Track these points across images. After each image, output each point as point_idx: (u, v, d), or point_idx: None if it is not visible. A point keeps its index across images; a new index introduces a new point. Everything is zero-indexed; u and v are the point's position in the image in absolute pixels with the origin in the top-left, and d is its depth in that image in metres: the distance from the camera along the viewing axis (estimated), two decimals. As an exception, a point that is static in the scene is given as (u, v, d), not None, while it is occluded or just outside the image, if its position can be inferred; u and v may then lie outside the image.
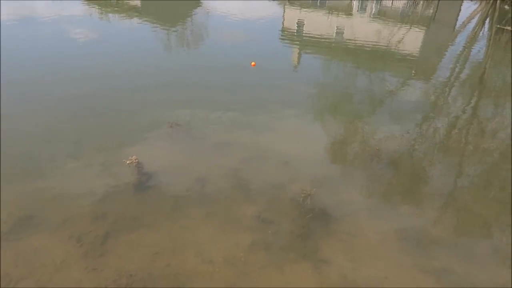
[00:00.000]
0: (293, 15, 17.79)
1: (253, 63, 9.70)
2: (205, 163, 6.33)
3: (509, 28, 15.33)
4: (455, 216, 5.72)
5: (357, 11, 19.07)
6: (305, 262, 4.62)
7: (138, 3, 18.27)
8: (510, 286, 4.39)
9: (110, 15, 15.43)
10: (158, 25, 14.14)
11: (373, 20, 17.42)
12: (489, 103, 9.48)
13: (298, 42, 13.63)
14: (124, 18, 14.98)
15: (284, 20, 16.87)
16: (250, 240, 4.84)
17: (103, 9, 16.20)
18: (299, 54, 12.33)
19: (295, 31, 15.18)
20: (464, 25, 16.81)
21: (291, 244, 4.85)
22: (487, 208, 5.87)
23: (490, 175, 6.76)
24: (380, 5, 20.10)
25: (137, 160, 5.95)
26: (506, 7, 19.29)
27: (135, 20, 14.63)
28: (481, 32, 16.17)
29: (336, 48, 13.08)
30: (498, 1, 20.03)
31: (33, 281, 4.17)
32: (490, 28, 16.48)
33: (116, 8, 16.53)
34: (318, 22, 16.61)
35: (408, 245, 5.04)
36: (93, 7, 16.26)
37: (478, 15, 18.55)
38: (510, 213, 5.76)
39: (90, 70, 9.57)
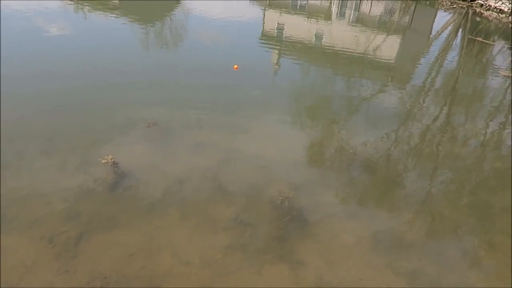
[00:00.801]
0: (273, 17, 17.90)
1: (235, 66, 9.69)
2: (183, 164, 6.27)
3: (480, 39, 15.94)
4: (428, 220, 5.88)
5: (336, 17, 19.37)
6: (282, 264, 4.64)
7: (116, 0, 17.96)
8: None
9: (87, 11, 15.08)
10: (136, 23, 13.93)
11: (351, 27, 17.74)
12: (461, 111, 9.81)
13: (277, 45, 13.72)
14: (101, 14, 14.68)
15: (264, 22, 16.95)
16: (227, 242, 4.83)
17: (80, 4, 15.82)
18: (279, 57, 12.41)
19: (275, 34, 15.27)
20: (438, 34, 17.36)
21: (268, 246, 4.87)
22: (457, 212, 6.07)
23: (461, 180, 7.00)
24: (358, 12, 20.49)
25: (113, 160, 5.83)
26: (478, 18, 20.06)
27: (113, 17, 14.36)
28: (454, 42, 16.74)
29: (315, 53, 13.24)
30: (470, 13, 20.80)
31: (1, 283, 4.02)
32: (463, 38, 17.08)
33: (93, 4, 16.18)
34: (298, 26, 16.77)
35: (382, 247, 5.15)
36: (69, 2, 15.86)
37: (452, 25, 19.19)
38: (479, 216, 5.98)
39: (65, 67, 9.32)
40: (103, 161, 5.77)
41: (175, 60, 10.86)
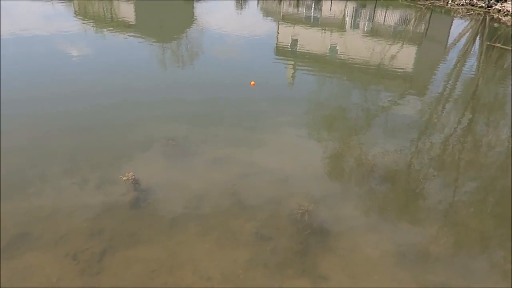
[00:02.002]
0: (287, 31, 18.05)
1: (252, 82, 9.77)
2: (202, 179, 6.31)
3: (499, 45, 15.68)
4: (453, 231, 5.73)
5: (350, 28, 19.40)
6: (304, 278, 4.58)
7: (132, 19, 18.45)
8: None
9: (105, 31, 15.54)
10: (152, 42, 14.26)
11: (366, 37, 17.72)
12: (482, 119, 9.61)
13: (292, 58, 13.80)
14: (118, 34, 15.09)
15: (278, 36, 17.10)
16: (248, 256, 4.81)
17: (98, 25, 16.32)
18: (294, 69, 12.47)
19: (289, 47, 15.38)
20: (455, 42, 17.16)
21: (290, 260, 4.82)
22: (483, 223, 5.90)
23: (485, 190, 6.81)
24: (372, 22, 20.48)
25: (133, 177, 5.92)
26: (496, 24, 19.76)
27: (129, 36, 14.74)
28: (472, 49, 16.51)
29: (330, 64, 13.25)
30: (487, 19, 20.52)
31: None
32: (481, 45, 16.83)
33: (110, 24, 16.66)
34: (312, 39, 16.86)
35: (406, 260, 5.03)
36: (87, 23, 16.38)
37: (469, 32, 18.95)
38: (506, 227, 5.79)
39: (85, 86, 9.59)
40: (124, 178, 5.87)
41: (191, 77, 11.04)
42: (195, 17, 19.99)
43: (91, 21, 16.88)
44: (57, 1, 20.24)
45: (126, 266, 4.53)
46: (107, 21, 17.52)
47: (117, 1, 22.04)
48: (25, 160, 6.44)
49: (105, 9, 20.15)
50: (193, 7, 22.66)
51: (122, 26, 16.35)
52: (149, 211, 5.51)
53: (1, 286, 4.15)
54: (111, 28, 15.84)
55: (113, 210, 5.44)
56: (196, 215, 5.53)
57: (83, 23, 16.45)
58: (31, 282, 4.27)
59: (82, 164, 6.43)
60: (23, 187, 5.80)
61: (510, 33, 18.32)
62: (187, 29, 16.97)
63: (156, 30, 16.28)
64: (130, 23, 17.40)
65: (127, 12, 20.03)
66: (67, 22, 16.14)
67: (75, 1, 20.20)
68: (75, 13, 18.31)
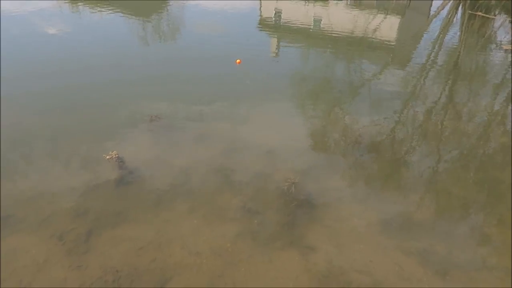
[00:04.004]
0: (270, 4, 17.65)
1: (238, 60, 9.57)
2: (187, 156, 6.27)
3: (480, 13, 15.68)
4: (435, 199, 5.86)
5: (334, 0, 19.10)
6: (292, 250, 4.65)
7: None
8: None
9: (81, 7, 14.96)
10: (132, 17, 13.82)
11: (349, 9, 17.50)
12: (464, 88, 9.70)
13: (276, 31, 13.58)
14: (96, 10, 14.56)
15: (261, 9, 16.74)
16: (236, 231, 4.84)
17: (74, 2, 15.69)
18: (278, 43, 12.29)
19: (273, 20, 15.09)
20: (438, 12, 17.08)
21: (277, 233, 4.88)
22: (465, 190, 6.04)
23: (467, 157, 6.94)
24: (356, -7, 20.18)
25: (117, 155, 5.83)
26: (478, -7, 19.69)
27: (108, 12, 14.24)
28: (454, 19, 16.48)
29: (314, 37, 13.09)
30: (469, -12, 20.42)
31: (15, 282, 4.06)
32: (463, 14, 16.81)
33: (87, 1, 16.04)
34: (296, 11, 16.54)
35: (391, 228, 5.15)
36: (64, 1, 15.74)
37: (451, 1, 18.88)
38: (486, 192, 5.95)
39: (65, 65, 9.30)
40: (107, 157, 5.78)
41: (173, 53, 10.79)
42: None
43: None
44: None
45: (113, 244, 4.52)
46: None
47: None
48: (6, 142, 6.27)
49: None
50: (172, -19, 21.94)
51: (100, 2, 15.75)
52: (135, 190, 5.47)
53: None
54: (88, 4, 15.25)
55: (98, 190, 5.39)
56: (182, 191, 5.51)
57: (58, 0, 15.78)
58: (18, 265, 4.23)
59: (65, 144, 6.31)
60: (5, 169, 5.68)
61: (492, 1, 18.33)
62: (168, 4, 16.47)
63: (136, 6, 15.75)
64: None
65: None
66: (41, 1, 15.47)
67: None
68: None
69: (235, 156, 6.34)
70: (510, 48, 12.06)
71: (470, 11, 16.37)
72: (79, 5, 15.21)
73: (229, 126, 7.14)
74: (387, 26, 15.13)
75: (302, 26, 14.11)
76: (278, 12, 16.51)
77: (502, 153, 7.06)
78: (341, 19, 15.65)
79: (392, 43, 13.10)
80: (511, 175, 6.18)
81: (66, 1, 15.55)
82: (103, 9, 14.49)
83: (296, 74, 9.75)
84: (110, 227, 4.76)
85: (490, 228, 5.38)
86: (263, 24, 14.35)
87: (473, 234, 5.23)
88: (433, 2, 18.81)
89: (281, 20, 15.43)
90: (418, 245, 4.91)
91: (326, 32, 13.53)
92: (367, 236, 5.00)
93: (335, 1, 18.60)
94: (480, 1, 18.15)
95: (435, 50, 12.17)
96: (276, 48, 11.86)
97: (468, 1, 18.47)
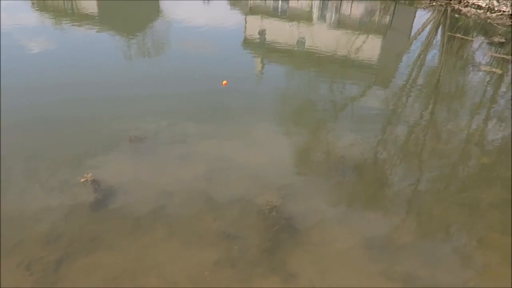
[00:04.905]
0: (255, 23, 17.83)
1: (224, 82, 9.51)
2: (168, 178, 6.11)
3: (459, 35, 16.11)
4: (418, 220, 5.81)
5: (317, 20, 19.41)
6: (273, 277, 4.51)
7: (95, 11, 17.74)
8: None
9: (66, 24, 14.82)
10: (117, 34, 13.73)
11: (333, 29, 17.79)
12: (445, 108, 9.83)
13: (261, 50, 13.65)
14: (81, 26, 14.44)
15: (246, 28, 16.87)
16: (215, 257, 4.68)
17: (58, 18, 15.56)
18: (262, 62, 12.33)
19: (258, 39, 15.20)
20: (418, 33, 17.49)
21: (258, 259, 4.73)
22: (447, 211, 6.01)
23: (449, 177, 6.96)
24: (339, 14, 20.59)
25: (92, 178, 5.63)
26: (456, 15, 20.32)
27: (93, 29, 14.13)
28: (434, 40, 16.89)
29: (298, 56, 13.20)
30: (449, 10, 21.07)
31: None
32: (443, 36, 17.24)
33: (71, 17, 15.93)
34: (280, 31, 16.73)
35: (375, 252, 5.06)
36: (46, 16, 15.60)
37: (432, 23, 19.39)
38: (467, 214, 5.94)
39: (45, 81, 9.08)
40: (82, 180, 5.57)
41: (158, 71, 10.68)
42: (160, 10, 19.43)
43: (50, 14, 16.06)
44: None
45: (85, 274, 4.30)
46: (68, 13, 16.73)
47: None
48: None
49: (65, 3, 19.25)
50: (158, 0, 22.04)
51: (85, 18, 15.65)
52: (111, 214, 5.27)
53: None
54: (73, 21, 15.13)
55: (72, 214, 5.17)
56: (161, 216, 5.34)
57: (42, 16, 15.63)
58: (-19, 297, 3.98)
59: (40, 165, 6.07)
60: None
61: (470, 23, 18.90)
62: (153, 22, 16.46)
63: (120, 23, 15.68)
64: (93, 16, 16.69)
65: (89, 5, 19.22)
66: (24, 16, 15.28)
67: (31, -7, 19.16)
68: (33, 6, 17.37)
69: (217, 177, 6.21)
70: (489, 69, 12.35)
71: (449, 33, 16.81)
72: (63, 22, 15.08)
73: (212, 146, 7.02)
74: (369, 46, 15.40)
75: (287, 45, 14.24)
76: (263, 32, 16.68)
77: (482, 173, 7.11)
78: (324, 39, 15.88)
79: (375, 63, 13.30)
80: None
81: (49, 17, 15.42)
82: (87, 26, 14.39)
83: (280, 93, 9.75)
84: (83, 255, 4.54)
85: (472, 249, 5.35)
86: (248, 43, 14.43)
87: (455, 257, 5.18)
88: (414, 23, 19.31)
89: (266, 39, 15.56)
90: (401, 269, 4.83)
91: (310, 51, 13.66)
92: (351, 261, 4.90)
93: (319, 22, 18.92)
94: (459, 23, 18.70)
95: (416, 70, 12.38)
96: (261, 67, 11.89)
97: (448, 23, 19.01)
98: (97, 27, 14.47)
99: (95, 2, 19.64)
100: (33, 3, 17.54)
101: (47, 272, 4.27)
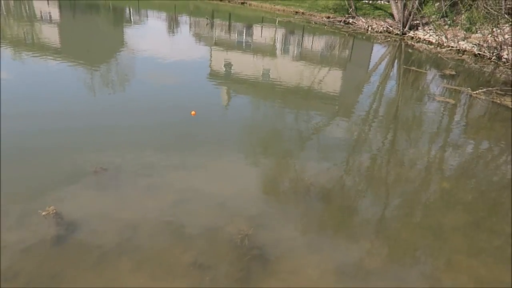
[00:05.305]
0: (220, 56, 18.20)
1: (193, 112, 9.52)
2: (134, 209, 5.93)
3: (414, 68, 17.16)
4: (386, 245, 5.92)
5: (281, 53, 20.10)
6: (246, 307, 4.40)
7: (57, 42, 17.48)
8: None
9: (25, 55, 14.47)
10: (80, 66, 13.53)
11: (295, 62, 18.44)
12: (405, 136, 10.29)
13: (226, 82, 13.87)
14: (42, 58, 14.13)
15: (211, 61, 17.16)
16: (186, 289, 4.52)
17: (16, 48, 15.18)
18: (228, 94, 12.50)
19: (223, 72, 15.48)
20: (376, 66, 18.48)
21: (231, 289, 4.62)
22: (413, 235, 6.18)
23: (412, 202, 7.19)
24: (301, 47, 21.43)
25: (54, 211, 5.37)
26: (410, 50, 21.70)
27: (54, 61, 13.85)
28: (391, 72, 17.88)
29: (263, 88, 13.50)
30: (403, 45, 22.49)
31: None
32: (399, 68, 18.30)
33: (32, 48, 15.59)
34: (245, 63, 17.15)
35: (346, 278, 5.08)
36: (4, 46, 15.17)
37: (388, 56, 20.58)
38: (432, 237, 6.12)
39: (5, 111, 8.71)
40: (43, 213, 5.30)
41: (123, 102, 10.57)
42: (125, 42, 19.43)
43: (8, 44, 15.65)
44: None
45: (46, 313, 4.02)
46: (28, 44, 16.37)
47: (38, 24, 20.79)
48: None
49: (25, 32, 18.86)
50: (122, 31, 22.08)
51: (45, 49, 15.36)
52: (75, 248, 5.01)
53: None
54: (33, 52, 14.79)
55: (31, 250, 4.87)
56: (128, 248, 5.13)
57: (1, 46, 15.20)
58: None
59: (-4, 199, 5.72)
60: None
61: (422, 57, 20.22)
62: (117, 53, 16.39)
63: (83, 54, 15.50)
64: (55, 47, 16.42)
65: (51, 35, 18.94)
66: (-21, 45, 14.79)
67: (-11, 23, 18.69)
68: (-11, 36, 16.89)
69: (186, 207, 6.10)
70: (444, 99, 13.16)
71: (404, 66, 17.87)
72: (22, 52, 14.71)
73: (179, 176, 6.94)
74: (331, 78, 16.05)
75: (252, 77, 14.56)
76: (228, 64, 17.02)
77: (443, 198, 7.41)
78: (288, 71, 16.41)
79: (337, 94, 13.83)
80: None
81: (7, 47, 15.00)
82: (48, 57, 14.10)
83: (246, 124, 9.87)
84: (43, 293, 4.26)
85: (440, 272, 5.48)
86: (213, 75, 14.64)
87: (425, 280, 5.28)
88: (372, 56, 20.41)
89: (231, 71, 15.87)
90: (373, 294, 4.86)
91: (274, 83, 14.03)
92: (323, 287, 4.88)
93: (282, 55, 19.56)
94: (413, 57, 19.95)
95: (376, 101, 12.98)
96: (227, 99, 12.03)
97: (403, 57, 20.24)
98: (59, 58, 14.20)
99: (56, 32, 19.41)
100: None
101: (4, 313, 3.95)
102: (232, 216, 5.97)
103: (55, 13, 26.16)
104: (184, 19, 29.28)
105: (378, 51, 21.72)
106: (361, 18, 27.42)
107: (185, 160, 7.50)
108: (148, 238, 5.34)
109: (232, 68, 16.51)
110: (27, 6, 27.10)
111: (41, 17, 23.66)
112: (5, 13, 23.24)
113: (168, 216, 5.83)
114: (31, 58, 13.99)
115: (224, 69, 15.84)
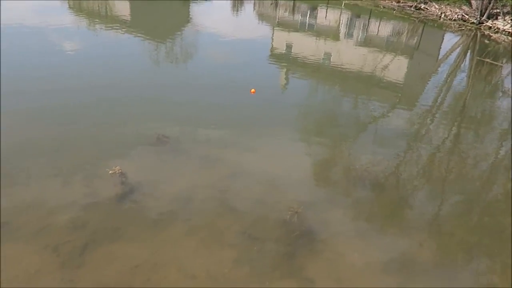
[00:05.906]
0: (282, 37, 18.07)
1: (252, 90, 9.67)
2: (191, 178, 6.23)
3: (489, 60, 15.94)
4: (438, 241, 5.73)
5: (344, 37, 19.53)
6: (290, 280, 4.53)
7: (127, 16, 18.31)
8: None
9: (98, 26, 15.37)
10: (147, 39, 14.14)
11: (359, 47, 17.86)
12: (470, 132, 9.71)
13: (286, 64, 13.80)
14: (113, 30, 14.93)
15: (273, 41, 17.11)
16: (234, 256, 4.73)
17: (92, 20, 16.14)
18: (287, 75, 12.46)
19: (284, 52, 15.39)
20: (446, 56, 17.38)
21: (276, 262, 4.76)
22: (468, 234, 5.92)
23: (471, 201, 6.85)
24: (366, 32, 20.66)
25: (120, 171, 5.80)
26: (486, 41, 20.11)
27: (124, 33, 14.59)
28: (463, 64, 16.75)
29: (323, 72, 13.29)
30: (478, 35, 20.88)
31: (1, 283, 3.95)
32: (471, 60, 17.08)
33: (104, 20, 16.49)
34: (306, 45, 16.90)
35: (392, 268, 5.01)
36: (82, 18, 16.20)
37: (460, 47, 19.25)
38: (490, 237, 5.83)
39: (77, 81, 9.42)
40: (110, 172, 5.74)
41: (185, 77, 10.94)
42: (190, 18, 19.91)
43: (85, 16, 16.69)
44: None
45: (108, 260, 4.42)
46: (101, 16, 17.34)
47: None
48: (12, 152, 6.25)
49: (100, 5, 19.96)
50: (188, 7, 22.60)
51: (117, 22, 16.19)
52: (135, 207, 5.40)
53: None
54: (105, 24, 15.68)
55: (98, 204, 5.32)
56: (182, 213, 5.44)
57: (77, 17, 16.25)
58: (8, 274, 4.12)
59: (69, 158, 6.28)
60: (8, 178, 5.62)
61: (500, 49, 18.66)
62: (182, 29, 16.87)
63: (151, 28, 16.14)
64: (125, 20, 17.25)
65: (122, 9, 19.86)
66: (60, 16, 15.92)
67: (69, -5, 19.98)
68: (69, 8, 18.09)
69: (239, 182, 6.29)
70: (517, 96, 12.16)
71: (478, 58, 16.65)
72: (96, 23, 15.63)
73: (234, 152, 7.13)
74: (395, 66, 15.36)
75: (312, 60, 14.36)
76: (289, 45, 16.88)
77: (506, 199, 6.98)
78: (350, 56, 15.95)
79: (400, 83, 13.26)
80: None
81: (83, 18, 16.01)
82: (118, 29, 14.87)
83: (303, 106, 9.82)
84: (107, 243, 4.67)
85: (492, 275, 5.23)
86: (274, 55, 14.62)
87: (476, 281, 5.08)
88: (442, 45, 19.19)
89: (292, 53, 15.74)
90: (419, 286, 4.76)
91: (335, 67, 13.74)
92: (367, 273, 4.87)
93: (346, 39, 19.02)
94: (489, 49, 18.49)
95: (442, 93, 12.28)
96: (285, 80, 12.01)
97: (477, 48, 18.82)
98: (128, 31, 14.92)
99: (128, 6, 20.30)
100: (69, 6, 18.27)
101: (73, 255, 4.40)
102: (282, 194, 6.07)
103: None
104: (249, -2, 29.27)
105: (450, 40, 20.34)
106: (434, 4, 25.73)
107: (240, 138, 7.68)
108: (201, 207, 5.61)
109: (293, 49, 16.36)
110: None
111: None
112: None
113: (221, 188, 6.05)
114: (103, 30, 14.83)
115: (285, 50, 15.74)
